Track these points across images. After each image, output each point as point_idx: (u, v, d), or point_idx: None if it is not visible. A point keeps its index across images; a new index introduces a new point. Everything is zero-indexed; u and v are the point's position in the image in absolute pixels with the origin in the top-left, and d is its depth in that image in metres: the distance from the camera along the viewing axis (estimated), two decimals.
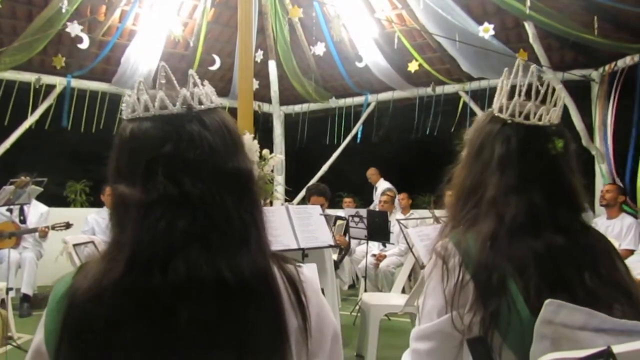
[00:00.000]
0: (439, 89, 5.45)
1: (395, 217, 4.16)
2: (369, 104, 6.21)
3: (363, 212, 3.72)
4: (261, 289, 0.55)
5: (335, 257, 3.11)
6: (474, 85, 5.27)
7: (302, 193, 6.16)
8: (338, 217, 3.32)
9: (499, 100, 0.81)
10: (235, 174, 0.59)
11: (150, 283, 0.51)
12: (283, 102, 6.18)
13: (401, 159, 9.96)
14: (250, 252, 0.56)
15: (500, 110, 0.80)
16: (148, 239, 0.52)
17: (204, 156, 0.57)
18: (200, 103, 0.60)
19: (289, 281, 0.59)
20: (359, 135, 6.62)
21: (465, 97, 5.31)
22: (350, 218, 3.68)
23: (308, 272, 0.61)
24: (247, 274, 0.54)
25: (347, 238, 3.12)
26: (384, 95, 5.97)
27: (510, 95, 0.79)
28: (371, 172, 6.29)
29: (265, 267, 0.57)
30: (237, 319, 0.52)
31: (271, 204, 3.04)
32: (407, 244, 2.65)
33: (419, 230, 2.08)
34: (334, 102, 6.37)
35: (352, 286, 4.87)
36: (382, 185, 5.19)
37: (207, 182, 0.56)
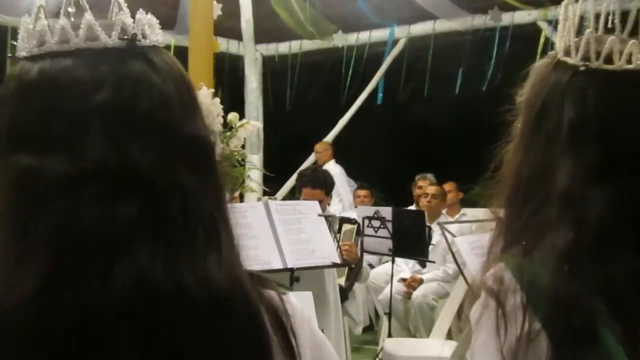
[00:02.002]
0: (506, 18, 5.24)
1: (437, 220, 4.18)
2: (395, 42, 5.94)
3: (386, 211, 3.75)
4: (239, 307, 0.56)
5: (342, 281, 3.15)
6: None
7: (291, 182, 6.24)
8: (346, 220, 3.36)
9: (564, 36, 0.77)
10: (195, 143, 0.60)
11: (85, 299, 0.50)
12: (260, 38, 5.90)
13: (445, 128, 10.23)
14: (221, 256, 0.57)
15: (568, 53, 0.76)
16: (77, 233, 0.51)
17: (155, 111, 0.58)
18: (145, 37, 0.61)
19: (270, 314, 0.60)
20: (380, 92, 6.59)
21: (546, 30, 5.03)
22: (366, 222, 3.71)
23: (297, 301, 0.62)
24: (219, 284, 0.55)
25: (359, 252, 3.23)
26: (419, 28, 5.68)
27: (580, 29, 0.77)
28: (321, 147, 6.31)
29: (241, 280, 0.58)
30: (206, 347, 0.52)
31: (242, 198, 3.05)
32: (456, 262, 2.62)
33: (474, 241, 2.09)
34: (340, 39, 6.03)
35: (369, 327, 4.88)
36: (332, 169, 5.21)
37: (159, 149, 0.58)
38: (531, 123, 0.77)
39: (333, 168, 5.73)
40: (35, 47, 0.57)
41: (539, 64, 0.80)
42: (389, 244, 3.71)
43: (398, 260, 4.33)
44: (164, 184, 0.56)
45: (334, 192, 3.45)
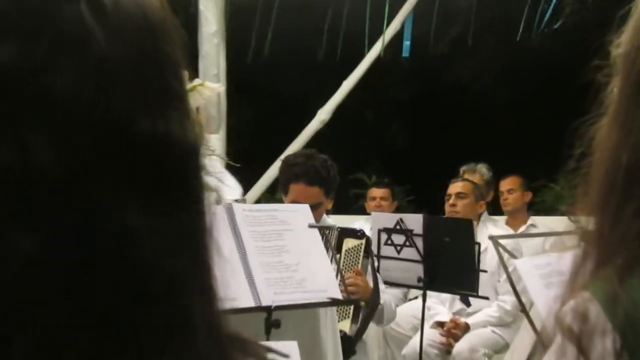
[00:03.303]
0: None
1: (488, 233, 4.19)
2: None
3: (414, 221, 3.79)
4: None
5: (345, 326, 3.17)
6: None
7: (270, 176, 6.39)
8: (350, 233, 3.37)
9: None
10: (159, 150, 0.58)
11: None
12: None
13: (500, 95, 10.34)
14: (191, 348, 0.58)
15: None
16: None
17: (83, 90, 0.56)
18: None
19: None
20: (407, 40, 6.67)
21: None
22: (384, 236, 3.75)
23: None
24: None
25: (371, 282, 3.31)
26: None
27: None
28: None
29: None
30: None
31: None
32: (517, 296, 2.64)
33: (546, 264, 2.12)
34: None
35: None
36: None
37: (91, 154, 0.56)
38: (632, 87, 0.80)
39: None
40: None
41: None
42: (418, 270, 3.73)
43: (432, 295, 4.34)
44: (93, 208, 0.55)
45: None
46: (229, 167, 4.61)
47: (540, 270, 2.04)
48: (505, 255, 2.83)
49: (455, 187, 4.69)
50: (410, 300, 5.28)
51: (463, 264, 3.76)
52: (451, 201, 4.62)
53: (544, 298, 1.98)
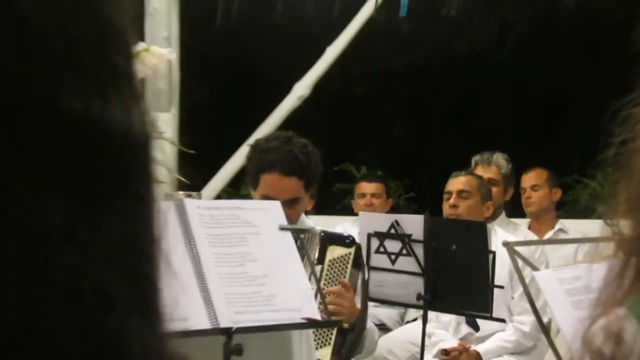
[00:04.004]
0: None
1: (501, 239, 4.19)
2: None
3: (413, 223, 3.81)
4: None
5: (325, 355, 3.17)
6: None
7: (233, 165, 6.43)
8: (333, 239, 3.36)
9: None
10: (100, 135, 0.58)
11: None
12: None
13: (525, 69, 10.37)
14: None
15: None
16: None
17: (6, 58, 0.55)
18: None
19: None
20: None
21: None
22: (375, 242, 3.78)
23: None
24: None
25: (360, 301, 3.29)
26: None
27: None
28: None
29: None
30: None
31: None
32: (536, 314, 2.69)
33: (574, 277, 2.16)
34: None
35: None
36: None
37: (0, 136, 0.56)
38: None
39: None
40: None
41: None
42: (418, 285, 3.75)
43: (432, 317, 4.36)
44: None
45: None
46: (182, 155, 4.58)
47: (567, 285, 2.04)
48: (524, 267, 2.83)
49: (456, 183, 4.70)
50: (407, 322, 5.30)
51: (474, 277, 3.77)
52: (452, 201, 4.63)
53: (570, 319, 1.98)
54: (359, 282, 3.32)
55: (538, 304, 2.48)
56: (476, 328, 4.56)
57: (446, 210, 4.67)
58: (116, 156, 0.57)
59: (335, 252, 3.27)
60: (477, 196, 4.65)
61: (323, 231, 3.27)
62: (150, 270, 0.60)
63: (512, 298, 4.37)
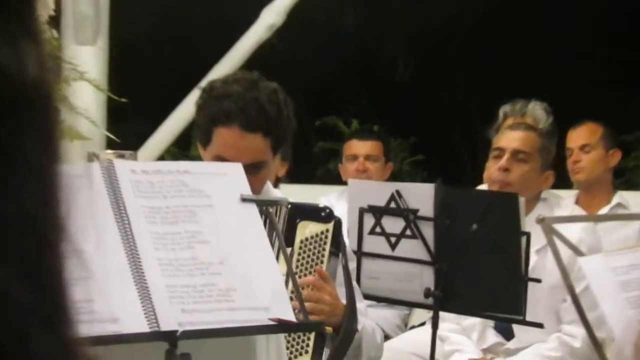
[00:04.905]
0: None
1: (535, 216, 4.17)
2: None
3: (420, 192, 3.85)
4: None
5: None
6: None
7: (181, 115, 6.42)
8: (308, 213, 3.38)
9: None
10: None
11: None
12: None
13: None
14: None
15: None
16: None
17: None
18: None
19: None
20: None
21: None
22: (368, 220, 3.82)
23: None
24: None
25: (347, 296, 3.28)
26: None
27: None
28: None
29: None
30: None
31: None
32: (585, 323, 2.71)
33: (631, 265, 2.18)
34: None
35: None
36: None
37: None
38: None
39: None
40: None
41: None
42: (426, 277, 3.80)
43: (447, 318, 4.40)
44: None
45: None
46: (112, 104, 4.58)
47: (622, 275, 2.03)
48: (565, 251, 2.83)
49: (512, 139, 4.67)
50: (413, 328, 5.31)
51: (501, 268, 3.81)
52: (504, 162, 4.58)
53: (623, 320, 1.98)
54: (340, 268, 3.33)
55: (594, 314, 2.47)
56: (508, 336, 4.57)
57: (492, 173, 4.64)
58: (1, 112, 0.59)
59: (307, 229, 3.27)
60: (537, 161, 4.62)
61: (290, 203, 3.25)
62: (54, 264, 0.61)
63: (564, 301, 4.31)
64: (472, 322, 4.58)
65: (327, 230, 3.28)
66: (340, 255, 3.32)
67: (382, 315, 5.30)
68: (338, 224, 3.32)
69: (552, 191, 5.00)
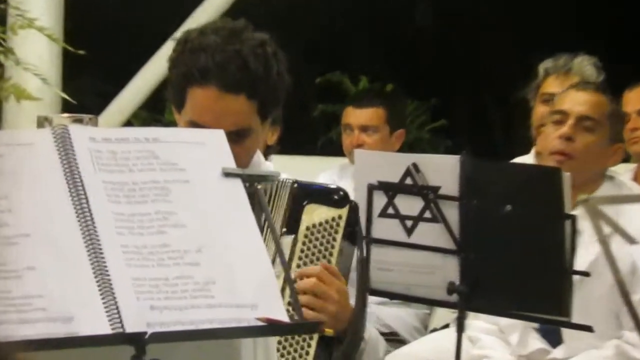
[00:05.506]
0: None
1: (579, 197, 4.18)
2: None
3: (442, 166, 3.88)
4: None
5: None
6: None
7: (152, 71, 6.29)
8: (318, 195, 3.39)
9: None
10: None
11: None
12: None
13: None
14: None
15: None
16: None
17: None
18: None
19: None
20: None
21: None
22: (379, 200, 3.86)
23: None
24: None
25: (361, 293, 3.31)
26: None
27: None
28: None
29: None
30: None
31: None
32: (635, 318, 2.78)
33: None
34: None
35: None
36: None
37: None
38: None
39: None
40: None
41: None
42: (449, 269, 3.83)
43: (480, 315, 4.46)
44: None
45: None
46: (69, 58, 4.60)
47: None
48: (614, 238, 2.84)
49: (577, 101, 4.64)
50: (434, 330, 5.33)
51: (541, 258, 3.83)
52: (567, 129, 4.56)
53: None
54: (354, 264, 3.33)
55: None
56: (555, 342, 4.59)
57: (550, 142, 4.63)
58: None
59: (316, 214, 3.26)
60: (605, 130, 4.63)
61: (297, 181, 3.26)
62: None
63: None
64: (513, 322, 4.60)
65: (340, 217, 3.29)
66: (357, 247, 3.33)
67: (396, 315, 5.31)
68: (354, 210, 3.33)
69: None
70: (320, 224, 3.27)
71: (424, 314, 5.46)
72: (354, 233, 3.31)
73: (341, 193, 3.34)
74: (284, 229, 3.09)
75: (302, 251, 3.22)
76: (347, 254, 3.30)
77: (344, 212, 3.28)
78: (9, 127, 5.09)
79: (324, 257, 3.24)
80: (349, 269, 3.30)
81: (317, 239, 3.26)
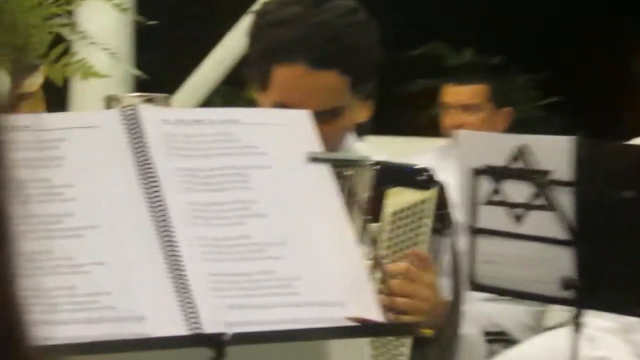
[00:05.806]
0: None
1: None
2: None
3: (554, 149, 3.85)
4: None
5: None
6: None
7: (228, 47, 6.31)
8: (401, 176, 3.35)
9: None
10: None
11: None
12: None
13: None
14: None
15: None
16: None
17: None
18: None
19: None
20: None
21: None
22: (483, 185, 3.85)
23: None
24: None
25: (454, 287, 3.40)
26: None
27: None
28: None
29: None
30: None
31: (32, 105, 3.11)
32: None
33: None
34: None
35: None
36: None
37: None
38: None
39: None
40: None
41: None
42: (563, 263, 3.80)
43: (595, 320, 4.37)
44: None
45: None
46: (139, 27, 4.65)
47: None
48: None
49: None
50: (548, 329, 5.30)
51: None
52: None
53: None
54: (445, 253, 3.34)
55: None
56: None
57: None
58: None
59: (400, 198, 3.22)
60: None
61: (379, 162, 3.20)
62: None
63: None
64: (635, 322, 4.57)
65: (427, 200, 3.24)
66: (449, 234, 3.32)
67: (506, 312, 5.30)
68: (442, 192, 3.30)
69: None
70: (408, 209, 3.23)
71: (537, 311, 5.44)
72: (443, 216, 3.31)
73: (426, 173, 3.30)
74: (368, 216, 3.06)
75: (389, 239, 3.19)
76: (437, 239, 3.29)
77: (430, 194, 3.24)
78: (75, 109, 5.13)
79: (414, 244, 3.21)
80: (440, 258, 3.30)
81: (405, 224, 3.23)
